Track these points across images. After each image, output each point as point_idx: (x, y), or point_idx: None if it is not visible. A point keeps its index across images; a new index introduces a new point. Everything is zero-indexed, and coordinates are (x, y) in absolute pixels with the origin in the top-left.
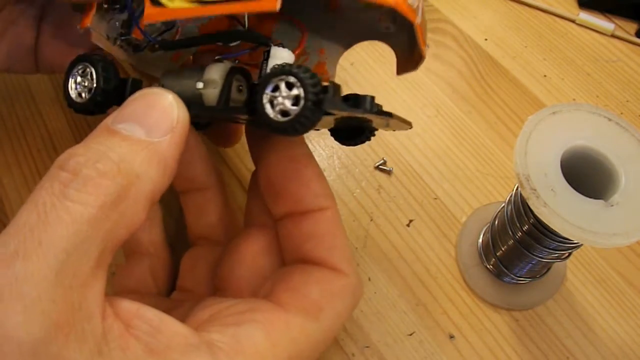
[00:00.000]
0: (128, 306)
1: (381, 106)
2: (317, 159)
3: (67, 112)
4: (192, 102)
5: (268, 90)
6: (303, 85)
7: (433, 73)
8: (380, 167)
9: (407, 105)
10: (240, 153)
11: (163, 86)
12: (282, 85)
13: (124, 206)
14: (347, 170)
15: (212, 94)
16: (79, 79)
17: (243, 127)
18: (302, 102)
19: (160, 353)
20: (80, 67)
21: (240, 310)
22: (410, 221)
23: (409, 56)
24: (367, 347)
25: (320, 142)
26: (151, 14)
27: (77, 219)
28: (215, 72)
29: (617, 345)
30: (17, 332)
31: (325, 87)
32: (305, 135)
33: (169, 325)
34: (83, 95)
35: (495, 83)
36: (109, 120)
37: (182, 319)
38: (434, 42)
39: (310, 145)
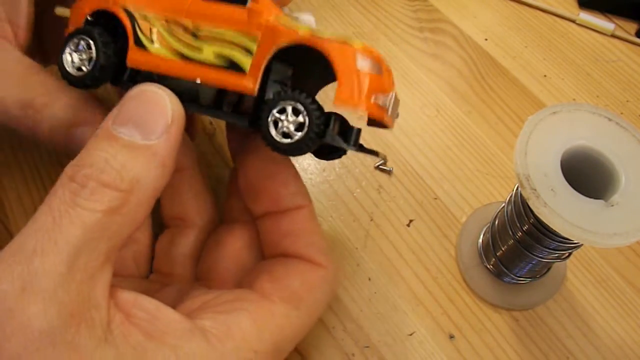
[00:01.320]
0: (127, 296)
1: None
2: (317, 159)
3: None
4: (189, 100)
5: (275, 111)
6: (309, 115)
7: (433, 73)
8: (380, 167)
9: (407, 105)
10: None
11: (159, 77)
12: (289, 110)
13: (127, 209)
14: (347, 170)
15: (209, 91)
16: (76, 51)
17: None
18: (305, 130)
19: (158, 338)
20: (78, 39)
21: (229, 300)
22: (410, 221)
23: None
24: (367, 347)
25: None
26: (135, 60)
27: (86, 222)
28: None
29: (617, 345)
30: (37, 321)
31: (327, 118)
32: None
33: (165, 313)
34: (81, 68)
35: (495, 83)
36: (109, 122)
37: (171, 304)
38: (434, 42)
39: None
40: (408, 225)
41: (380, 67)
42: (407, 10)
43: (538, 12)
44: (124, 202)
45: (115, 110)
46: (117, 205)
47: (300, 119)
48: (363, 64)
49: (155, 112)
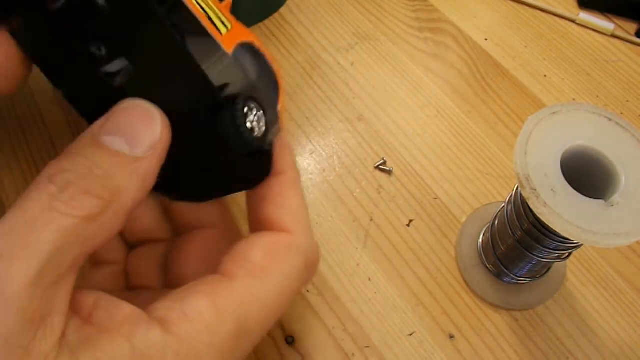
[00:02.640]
0: (87, 298)
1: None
2: (317, 159)
3: (67, 112)
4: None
5: (240, 107)
6: (264, 109)
7: (433, 73)
8: (380, 167)
9: (407, 105)
10: None
11: None
12: (252, 106)
13: (105, 217)
14: (347, 170)
15: None
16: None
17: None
18: (265, 126)
19: (112, 330)
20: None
21: (187, 287)
22: (410, 221)
23: None
24: (367, 347)
25: (320, 142)
26: None
27: (61, 227)
28: None
29: (617, 345)
30: None
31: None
32: (305, 135)
33: (121, 307)
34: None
35: (495, 83)
36: (95, 129)
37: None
38: (434, 42)
39: (310, 145)
40: (408, 225)
41: None
42: (407, 10)
43: (538, 12)
44: (103, 210)
45: (102, 120)
46: (96, 212)
47: (258, 114)
48: None
49: (145, 126)
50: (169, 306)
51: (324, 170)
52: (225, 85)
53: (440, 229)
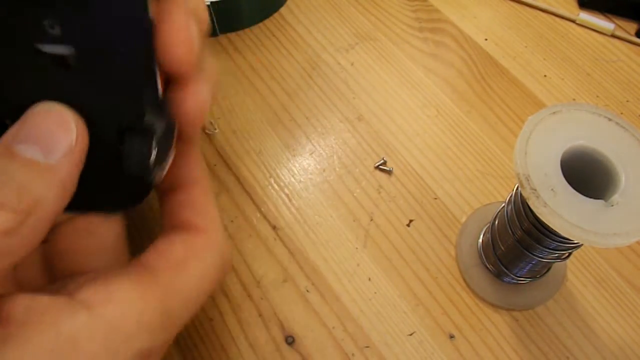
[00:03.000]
0: (8, 304)
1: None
2: (317, 159)
3: None
4: None
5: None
6: (163, 150)
7: (433, 73)
8: (380, 167)
9: (407, 105)
10: (240, 153)
11: None
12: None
13: (24, 230)
14: (347, 170)
15: None
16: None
17: None
18: (157, 161)
19: (35, 322)
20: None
21: (108, 273)
22: (410, 221)
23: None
24: (367, 347)
25: (320, 142)
26: None
27: None
28: None
29: (617, 345)
30: None
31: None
32: (305, 135)
33: (40, 300)
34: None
35: (495, 83)
36: (9, 137)
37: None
38: (434, 42)
39: (310, 145)
40: (408, 225)
41: None
42: (407, 10)
43: (538, 12)
44: (21, 223)
45: (15, 127)
46: (12, 226)
47: (157, 152)
48: None
49: (59, 131)
50: (92, 290)
51: (324, 170)
52: (146, 114)
53: (440, 229)
